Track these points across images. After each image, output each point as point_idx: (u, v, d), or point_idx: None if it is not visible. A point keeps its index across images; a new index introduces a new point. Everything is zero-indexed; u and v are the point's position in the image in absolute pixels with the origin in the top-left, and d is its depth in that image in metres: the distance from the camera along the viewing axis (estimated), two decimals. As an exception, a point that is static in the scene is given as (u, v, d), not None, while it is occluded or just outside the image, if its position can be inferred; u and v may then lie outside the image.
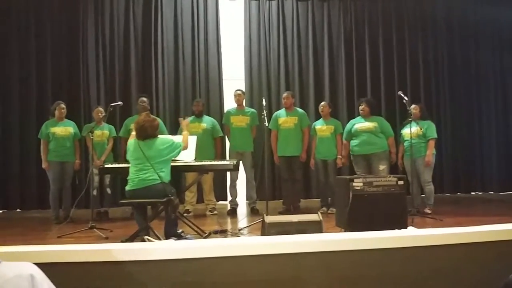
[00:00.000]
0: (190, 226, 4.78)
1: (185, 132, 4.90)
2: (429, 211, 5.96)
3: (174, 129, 7.11)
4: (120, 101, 6.42)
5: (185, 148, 4.71)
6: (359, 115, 6.58)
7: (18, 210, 7.31)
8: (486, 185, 8.69)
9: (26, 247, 3.05)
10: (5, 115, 7.33)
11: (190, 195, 6.73)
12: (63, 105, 6.33)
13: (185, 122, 5.25)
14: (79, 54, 7.55)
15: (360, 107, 6.48)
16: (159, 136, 4.58)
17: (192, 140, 5.17)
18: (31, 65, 7.45)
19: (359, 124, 6.37)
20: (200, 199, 7.08)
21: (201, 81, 7.92)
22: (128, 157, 4.55)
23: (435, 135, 6.20)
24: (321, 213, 4.29)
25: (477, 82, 8.78)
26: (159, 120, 4.94)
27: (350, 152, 6.47)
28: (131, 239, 4.24)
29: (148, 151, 4.37)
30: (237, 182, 6.81)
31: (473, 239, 3.26)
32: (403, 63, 8.46)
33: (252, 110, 7.03)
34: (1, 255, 2.74)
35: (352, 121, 6.61)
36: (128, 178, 4.46)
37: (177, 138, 4.90)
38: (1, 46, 7.39)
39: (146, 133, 4.44)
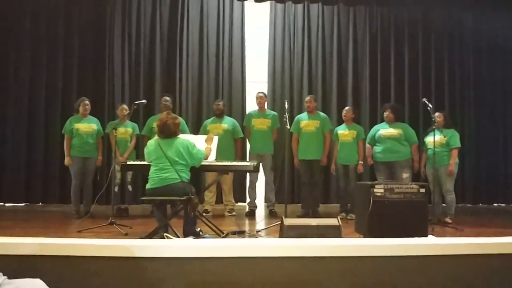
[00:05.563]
0: (208, 226, 4.79)
1: (208, 147, 4.85)
2: (449, 221, 5.87)
3: (196, 129, 7.16)
4: (144, 99, 6.48)
5: (206, 158, 4.72)
6: (382, 121, 6.51)
7: (40, 203, 7.43)
8: (509, 197, 8.52)
9: (47, 239, 3.09)
10: (31, 110, 7.45)
11: (209, 195, 6.75)
12: (87, 102, 6.42)
13: (210, 136, 5.07)
14: (105, 53, 7.63)
15: (385, 113, 6.42)
16: (180, 136, 4.60)
17: (214, 140, 5.18)
18: (58, 62, 7.55)
19: (384, 130, 6.31)
20: (219, 200, 7.10)
21: (224, 82, 7.94)
22: (147, 157, 4.56)
23: (459, 144, 6.11)
24: (340, 218, 4.26)
25: (503, 92, 8.61)
26: (180, 119, 4.95)
27: (373, 159, 6.41)
28: (150, 236, 4.28)
29: (168, 151, 4.41)
30: (256, 184, 6.82)
31: (493, 250, 3.21)
32: (428, 71, 8.34)
33: (274, 112, 7.02)
34: (24, 246, 2.79)
35: (376, 127, 6.56)
36: (148, 176, 4.50)
37: (198, 140, 4.94)
38: (31, 44, 7.53)
39: (169, 131, 4.48)
